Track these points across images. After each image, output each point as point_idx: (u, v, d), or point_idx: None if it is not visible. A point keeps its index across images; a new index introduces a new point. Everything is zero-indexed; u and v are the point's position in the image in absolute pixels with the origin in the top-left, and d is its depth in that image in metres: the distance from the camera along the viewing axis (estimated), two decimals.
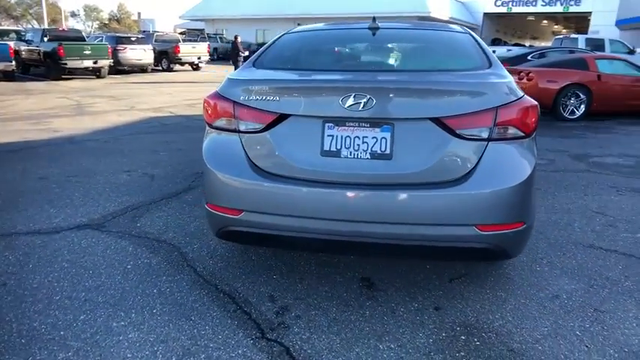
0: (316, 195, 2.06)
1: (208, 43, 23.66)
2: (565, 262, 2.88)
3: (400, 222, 2.01)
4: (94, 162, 5.13)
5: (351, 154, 2.05)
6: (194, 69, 21.76)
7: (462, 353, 2.01)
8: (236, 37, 16.94)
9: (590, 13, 31.87)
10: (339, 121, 2.07)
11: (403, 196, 2.00)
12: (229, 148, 2.22)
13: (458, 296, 2.48)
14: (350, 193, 2.03)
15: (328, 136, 2.07)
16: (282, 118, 2.11)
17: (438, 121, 2.01)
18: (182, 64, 20.94)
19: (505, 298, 2.46)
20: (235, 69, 16.77)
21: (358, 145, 2.05)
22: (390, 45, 2.87)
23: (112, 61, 16.29)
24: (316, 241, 2.14)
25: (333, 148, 2.07)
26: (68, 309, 2.30)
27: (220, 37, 34.34)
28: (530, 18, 38.17)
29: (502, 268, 2.77)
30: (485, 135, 2.03)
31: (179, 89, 13.32)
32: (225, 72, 20.36)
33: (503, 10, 35.40)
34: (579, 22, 37.55)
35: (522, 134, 2.09)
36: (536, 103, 2.14)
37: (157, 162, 5.16)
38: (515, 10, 34.95)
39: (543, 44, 38.33)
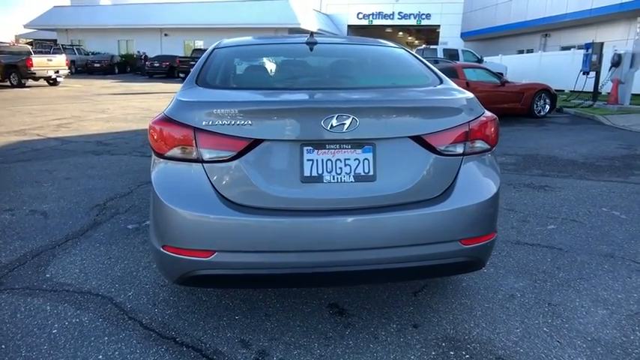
0: (300, 226, 1.88)
1: (66, 55, 21.24)
2: (505, 262, 3.08)
3: (391, 245, 1.93)
4: None
5: (334, 179, 1.92)
6: (51, 84, 19.39)
7: None
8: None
9: (439, 26, 35.76)
10: (319, 144, 1.92)
11: (391, 217, 1.92)
12: (191, 181, 1.93)
13: (428, 309, 2.48)
14: (337, 220, 1.90)
15: (308, 160, 1.91)
16: (254, 144, 1.90)
17: (418, 139, 1.99)
18: (36, 78, 18.50)
19: (471, 305, 2.53)
20: None
21: (341, 168, 1.93)
22: (341, 61, 2.80)
23: None
24: (302, 276, 1.96)
25: (315, 173, 1.92)
26: None
27: (78, 49, 31.17)
28: (389, 30, 41.46)
29: (455, 275, 2.85)
30: (460, 150, 2.06)
31: (39, 107, 11.70)
32: (98, 86, 18.55)
33: (365, 22, 37.96)
34: (430, 34, 41.89)
35: (488, 147, 2.17)
36: (495, 116, 2.24)
37: (44, 195, 4.40)
38: (376, 22, 37.71)
39: None
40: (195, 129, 1.91)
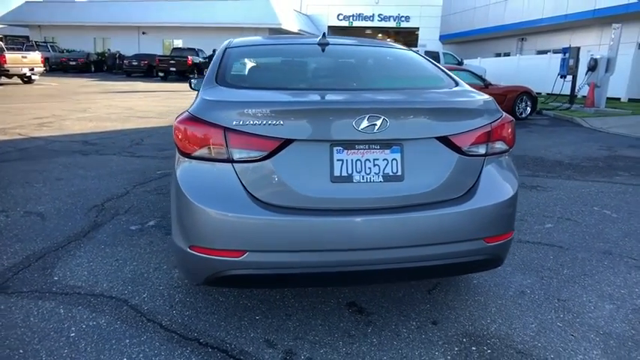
0: (332, 225, 1.90)
1: (40, 52, 20.67)
2: (510, 259, 3.15)
3: (420, 244, 1.97)
4: None
5: (363, 179, 1.95)
6: (25, 82, 18.84)
7: None
8: (214, 52, 20.02)
9: (418, 28, 36.28)
10: (349, 145, 1.94)
11: (420, 217, 1.96)
12: (221, 181, 1.92)
13: (444, 307, 2.53)
14: (367, 220, 1.92)
15: (338, 160, 1.93)
16: (285, 143, 1.90)
17: (444, 140, 2.03)
18: (9, 76, 17.94)
19: (485, 302, 2.59)
20: None
21: (370, 168, 1.95)
22: (358, 62, 2.82)
23: None
24: (333, 275, 1.98)
25: (344, 173, 1.94)
26: None
27: (52, 46, 30.33)
28: (368, 32, 41.81)
29: (472, 273, 2.90)
30: (483, 151, 2.11)
31: (16, 106, 11.35)
32: (73, 84, 18.10)
33: (345, 23, 38.23)
34: (409, 36, 42.38)
35: (507, 148, 2.23)
36: (512, 118, 2.30)
37: (37, 197, 4.28)
38: (356, 24, 38.03)
39: None
40: (226, 129, 1.90)
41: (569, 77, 14.04)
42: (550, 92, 15.50)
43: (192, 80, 3.83)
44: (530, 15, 24.11)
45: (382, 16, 36.82)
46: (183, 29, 33.37)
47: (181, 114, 2.16)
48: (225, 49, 2.75)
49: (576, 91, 14.29)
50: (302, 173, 1.92)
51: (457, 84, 2.49)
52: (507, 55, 26.94)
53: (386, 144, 1.97)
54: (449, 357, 2.10)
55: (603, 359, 2.12)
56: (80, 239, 3.33)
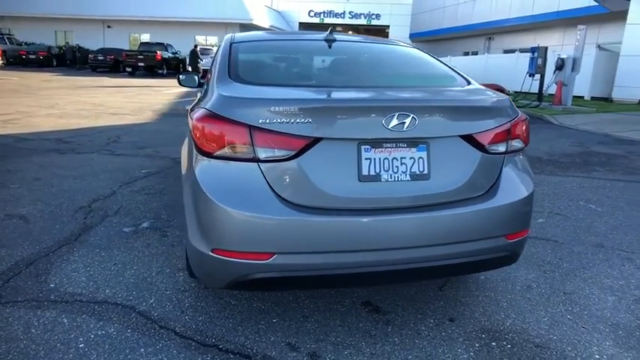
0: (361, 225, 1.87)
1: None
2: None
3: (447, 242, 1.96)
4: None
5: (391, 177, 1.92)
6: None
7: (506, 359, 2.08)
8: (195, 47, 21.45)
9: (389, 26, 36.60)
10: (377, 143, 1.91)
11: (447, 215, 1.96)
12: (246, 181, 1.85)
13: (458, 303, 2.55)
14: (395, 219, 1.90)
15: (366, 159, 1.90)
16: (313, 142, 1.85)
17: (467, 138, 2.03)
18: None
19: (495, 297, 2.63)
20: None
21: (397, 166, 1.93)
22: (372, 59, 2.78)
23: None
24: (359, 275, 1.94)
25: (373, 172, 1.91)
26: None
27: (9, 38, 28.89)
28: (339, 29, 41.86)
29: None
30: (503, 149, 2.13)
31: None
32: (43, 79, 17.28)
33: (317, 20, 38.14)
34: (379, 34, 42.69)
35: (523, 146, 2.26)
36: (527, 116, 2.33)
37: (15, 198, 4.06)
38: (327, 21, 37.97)
39: None
40: (252, 127, 1.83)
41: (538, 76, 14.48)
42: (518, 90, 15.93)
43: (180, 76, 3.71)
44: (498, 15, 24.76)
45: (353, 14, 36.97)
46: (151, 23, 32.50)
47: (196, 110, 2.07)
48: (231, 44, 2.66)
49: (544, 89, 14.75)
50: (329, 172, 1.88)
51: (469, 82, 2.50)
52: (475, 53, 27.58)
53: (413, 142, 1.95)
54: (472, 353, 2.11)
55: (616, 349, 2.18)
56: (71, 243, 3.17)
